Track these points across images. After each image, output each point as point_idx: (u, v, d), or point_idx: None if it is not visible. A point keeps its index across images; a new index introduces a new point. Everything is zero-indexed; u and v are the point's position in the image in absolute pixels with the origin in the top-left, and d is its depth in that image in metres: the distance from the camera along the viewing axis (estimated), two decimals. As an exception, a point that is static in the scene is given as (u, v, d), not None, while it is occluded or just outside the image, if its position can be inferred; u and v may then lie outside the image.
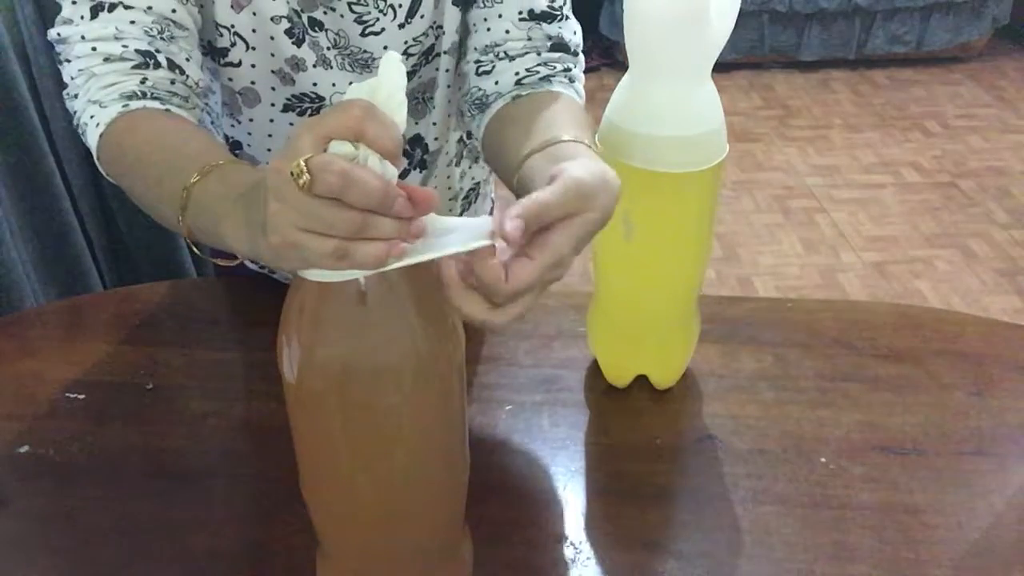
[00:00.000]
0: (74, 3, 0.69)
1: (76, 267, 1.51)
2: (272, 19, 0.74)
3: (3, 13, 1.37)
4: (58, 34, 0.71)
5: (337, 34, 0.77)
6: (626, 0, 0.64)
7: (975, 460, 0.73)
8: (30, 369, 0.85)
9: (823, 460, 0.73)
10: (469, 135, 0.94)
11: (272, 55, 0.77)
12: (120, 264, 1.68)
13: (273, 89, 0.79)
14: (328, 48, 0.77)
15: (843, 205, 2.78)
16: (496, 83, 0.78)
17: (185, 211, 0.58)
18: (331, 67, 0.78)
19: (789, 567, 0.64)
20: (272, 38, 0.75)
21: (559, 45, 0.78)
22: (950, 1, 3.54)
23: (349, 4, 0.75)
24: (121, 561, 0.66)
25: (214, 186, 0.57)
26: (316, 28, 0.76)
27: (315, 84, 0.79)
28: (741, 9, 0.65)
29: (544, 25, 0.77)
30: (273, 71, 0.78)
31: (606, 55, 3.75)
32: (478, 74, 0.79)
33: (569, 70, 0.79)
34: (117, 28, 0.69)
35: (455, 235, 0.45)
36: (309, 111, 0.81)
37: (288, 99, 0.80)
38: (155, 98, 0.69)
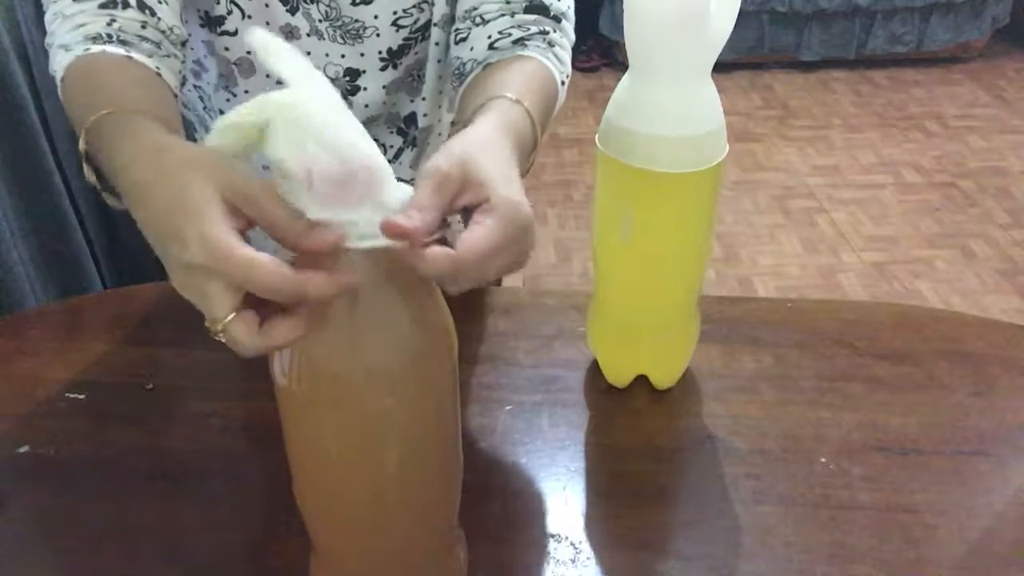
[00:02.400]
0: None
1: (76, 267, 1.51)
2: None
3: (3, 13, 1.37)
4: None
5: (328, 5, 0.77)
6: (626, 0, 0.64)
7: (975, 460, 0.73)
8: (30, 369, 0.85)
9: (823, 460, 0.73)
10: None
11: (267, 23, 0.77)
12: (120, 264, 1.68)
13: None
14: (320, 20, 0.78)
15: (843, 205, 2.78)
16: (471, 49, 0.76)
17: (90, 148, 0.54)
18: (323, 38, 0.79)
19: (789, 567, 0.64)
20: (267, 5, 0.76)
21: (536, 7, 0.76)
22: (950, 1, 3.54)
23: None
24: (120, 561, 0.66)
25: (125, 143, 0.52)
26: (308, 0, 0.76)
27: (309, 53, 0.79)
28: (741, 9, 0.65)
29: None
30: None
31: (606, 55, 3.76)
32: (456, 43, 0.78)
33: (546, 33, 0.76)
34: None
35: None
36: None
37: None
38: (121, 42, 0.65)
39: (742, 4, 0.65)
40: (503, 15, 0.76)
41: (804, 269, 2.47)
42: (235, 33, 0.77)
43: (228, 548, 0.67)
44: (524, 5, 0.76)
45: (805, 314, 0.91)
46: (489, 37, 0.75)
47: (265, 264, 0.40)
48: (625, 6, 0.65)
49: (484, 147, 0.50)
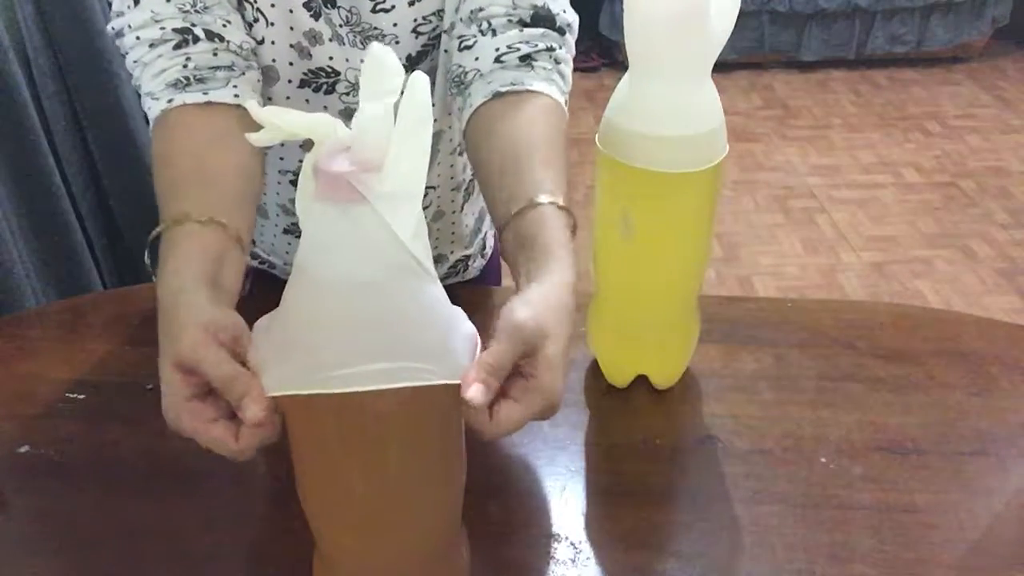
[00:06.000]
0: None
1: (76, 267, 1.51)
2: None
3: (3, 13, 1.37)
4: (112, 28, 0.74)
5: (349, 11, 0.77)
6: (626, 0, 0.64)
7: (975, 460, 0.73)
8: (30, 369, 0.85)
9: (823, 460, 0.73)
10: None
11: (291, 28, 0.77)
12: (120, 264, 1.68)
13: (291, 64, 0.80)
14: (340, 25, 0.78)
15: (843, 205, 2.78)
16: (476, 59, 0.76)
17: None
18: (344, 43, 0.79)
19: (789, 567, 0.64)
20: (291, 11, 0.76)
21: (543, 17, 0.77)
22: (950, 1, 3.54)
23: None
24: (121, 561, 0.66)
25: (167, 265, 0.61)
26: (329, 4, 0.77)
27: (331, 58, 0.80)
28: (741, 9, 0.65)
29: None
30: (291, 45, 0.79)
31: (606, 55, 3.76)
32: (460, 50, 0.78)
33: (553, 50, 0.77)
34: (153, 11, 0.71)
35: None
36: (324, 86, 0.82)
37: (305, 74, 0.81)
38: (199, 80, 0.71)
39: (742, 4, 0.65)
40: (511, 27, 0.76)
41: (804, 269, 2.47)
42: (261, 41, 0.78)
43: (228, 548, 0.67)
44: (531, 13, 0.76)
45: (805, 314, 0.91)
46: (496, 50, 0.75)
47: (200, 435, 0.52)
48: (625, 6, 0.65)
49: (559, 322, 0.55)
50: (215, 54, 0.72)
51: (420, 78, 0.43)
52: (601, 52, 3.75)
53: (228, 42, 0.73)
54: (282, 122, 0.44)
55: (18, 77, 1.35)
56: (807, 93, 3.56)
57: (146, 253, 0.64)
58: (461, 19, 0.78)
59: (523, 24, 0.76)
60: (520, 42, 0.76)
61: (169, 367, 0.52)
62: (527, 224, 0.64)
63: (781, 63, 3.74)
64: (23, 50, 1.40)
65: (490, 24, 0.76)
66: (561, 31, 0.78)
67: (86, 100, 1.52)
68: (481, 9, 0.76)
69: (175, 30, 0.71)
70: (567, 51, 0.79)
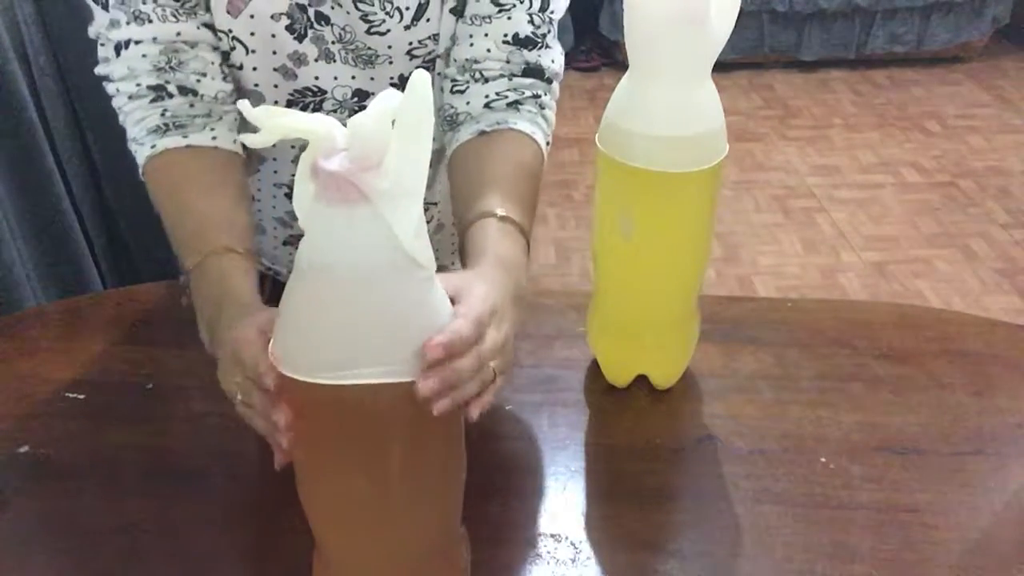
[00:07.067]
0: (102, 45, 0.75)
1: (76, 267, 1.51)
2: (272, 17, 0.75)
3: (3, 13, 1.37)
4: (98, 72, 0.77)
5: (343, 29, 0.78)
6: (626, 0, 0.64)
7: (975, 460, 0.73)
8: (30, 369, 0.85)
9: (823, 460, 0.73)
10: None
11: (274, 53, 0.77)
12: (120, 264, 1.68)
13: (276, 86, 0.80)
14: (333, 42, 0.78)
15: (843, 205, 2.77)
16: (467, 103, 0.80)
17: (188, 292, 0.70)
18: (334, 60, 0.79)
19: (789, 567, 0.64)
20: (273, 36, 0.76)
21: (534, 71, 0.80)
22: (950, 1, 3.54)
23: (354, 2, 0.75)
24: (121, 561, 0.66)
25: (197, 284, 0.68)
26: (322, 22, 0.77)
27: (317, 78, 0.80)
28: (741, 9, 0.65)
29: (524, 51, 0.79)
30: (275, 68, 0.79)
31: (606, 55, 3.75)
32: (452, 92, 0.81)
33: (539, 96, 0.81)
34: (129, 67, 0.74)
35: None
36: (311, 105, 0.82)
37: (291, 94, 0.81)
38: (178, 126, 0.74)
39: (742, 4, 0.65)
40: (502, 76, 0.79)
41: (804, 269, 2.47)
42: (240, 68, 0.78)
43: (229, 548, 0.67)
44: (522, 68, 0.80)
45: (805, 314, 0.91)
46: (487, 96, 0.79)
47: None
48: (625, 6, 0.65)
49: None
50: (191, 106, 0.75)
51: (422, 76, 0.43)
52: (601, 52, 3.74)
53: (202, 95, 0.76)
54: (278, 123, 0.44)
55: (18, 77, 1.35)
56: (807, 93, 3.55)
57: (182, 277, 0.70)
58: (455, 60, 0.80)
59: (513, 76, 0.80)
60: (509, 90, 0.79)
61: (247, 329, 0.55)
62: (468, 237, 0.68)
63: (781, 63, 3.73)
64: (23, 50, 1.40)
65: (483, 74, 0.79)
66: (549, 80, 0.82)
67: (86, 100, 1.52)
68: (476, 61, 0.79)
69: (150, 87, 0.74)
70: (552, 98, 0.83)
